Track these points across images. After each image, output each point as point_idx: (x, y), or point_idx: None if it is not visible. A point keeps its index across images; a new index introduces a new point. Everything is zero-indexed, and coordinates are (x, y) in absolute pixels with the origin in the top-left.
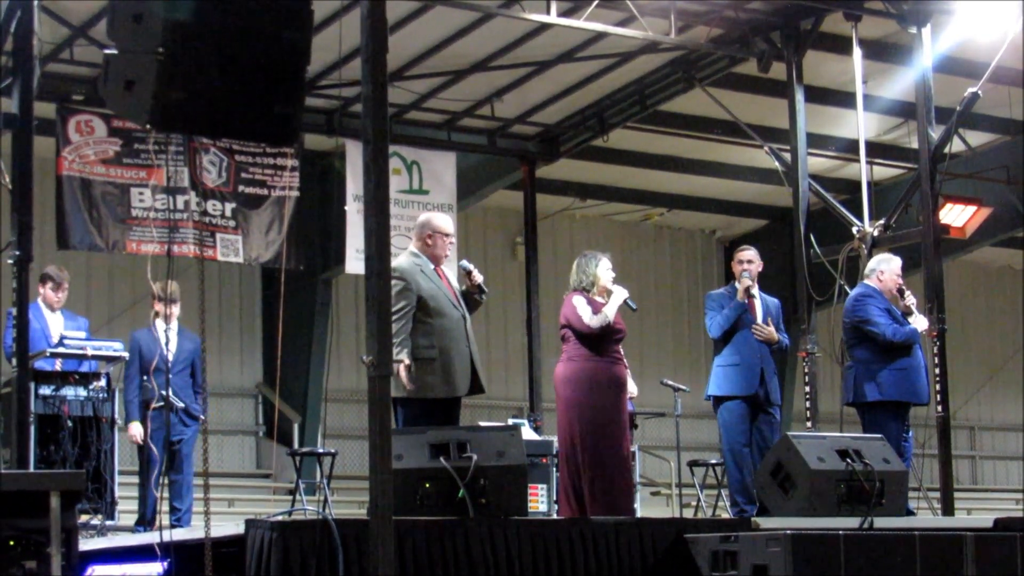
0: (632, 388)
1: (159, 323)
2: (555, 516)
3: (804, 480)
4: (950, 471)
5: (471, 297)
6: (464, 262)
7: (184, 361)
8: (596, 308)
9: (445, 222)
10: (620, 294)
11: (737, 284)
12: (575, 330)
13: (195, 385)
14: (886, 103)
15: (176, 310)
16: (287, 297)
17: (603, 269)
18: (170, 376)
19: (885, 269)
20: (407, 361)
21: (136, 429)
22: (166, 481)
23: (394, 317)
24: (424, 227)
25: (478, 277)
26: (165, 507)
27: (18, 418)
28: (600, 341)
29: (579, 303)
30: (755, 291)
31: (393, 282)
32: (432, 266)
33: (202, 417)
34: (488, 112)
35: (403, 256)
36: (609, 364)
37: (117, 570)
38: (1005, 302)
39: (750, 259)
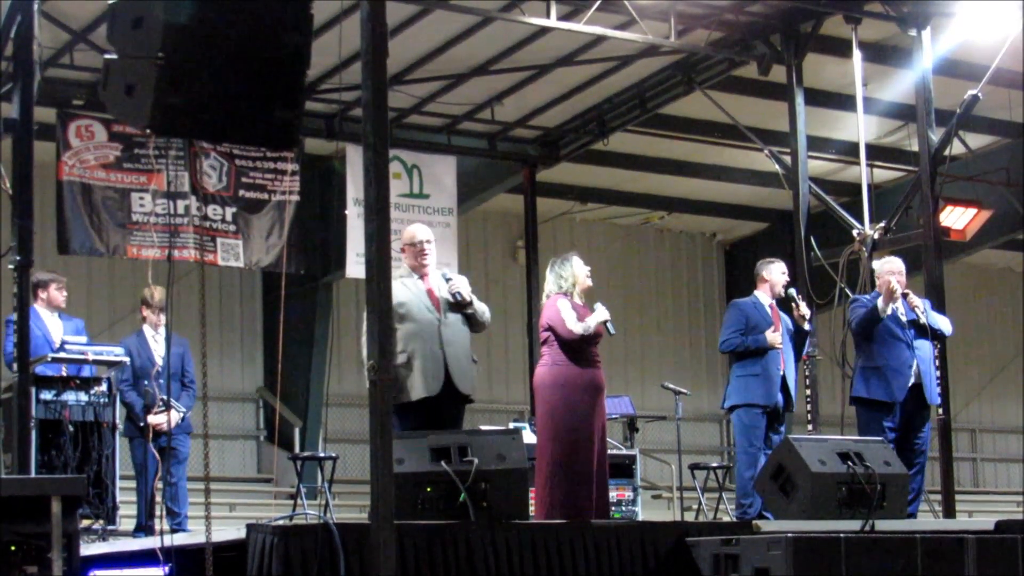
0: (602, 313)
1: (147, 328)
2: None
3: (805, 483)
4: (951, 473)
5: (460, 310)
6: (444, 271)
7: (173, 366)
8: (579, 314)
9: (412, 232)
10: (602, 314)
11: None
12: (557, 335)
13: (184, 388)
14: (886, 106)
15: (162, 317)
16: (288, 301)
17: (579, 267)
18: (162, 382)
19: (880, 272)
20: None
21: (159, 418)
22: (161, 486)
23: None
24: (401, 242)
25: (452, 288)
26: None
27: (19, 423)
28: (581, 345)
29: (563, 307)
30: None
31: None
32: (415, 275)
33: (183, 410)
34: (488, 116)
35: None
36: (590, 368)
37: (118, 575)
38: (1006, 304)
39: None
